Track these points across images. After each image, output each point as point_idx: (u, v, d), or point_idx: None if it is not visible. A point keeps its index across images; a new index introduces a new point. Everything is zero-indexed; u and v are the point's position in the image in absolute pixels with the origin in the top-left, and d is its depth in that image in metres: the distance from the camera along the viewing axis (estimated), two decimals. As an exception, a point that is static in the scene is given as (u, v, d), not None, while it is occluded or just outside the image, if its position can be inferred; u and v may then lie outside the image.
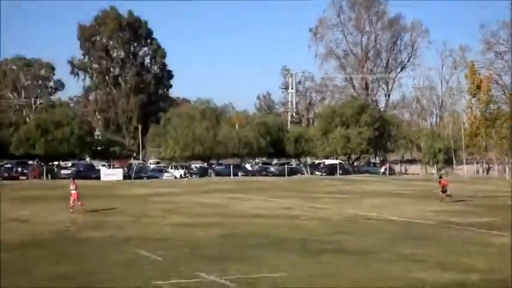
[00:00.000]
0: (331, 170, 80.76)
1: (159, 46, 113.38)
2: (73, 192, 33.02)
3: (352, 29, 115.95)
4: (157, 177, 73.12)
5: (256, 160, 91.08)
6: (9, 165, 72.30)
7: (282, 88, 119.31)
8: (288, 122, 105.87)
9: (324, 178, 73.74)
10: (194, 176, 76.59)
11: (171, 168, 79.01)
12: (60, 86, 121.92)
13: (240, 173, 79.12)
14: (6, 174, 68.75)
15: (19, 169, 71.26)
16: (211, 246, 21.02)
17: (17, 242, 21.85)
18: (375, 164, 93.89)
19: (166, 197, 43.03)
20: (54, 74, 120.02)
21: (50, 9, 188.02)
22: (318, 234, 24.04)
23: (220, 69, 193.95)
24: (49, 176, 70.07)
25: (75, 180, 35.70)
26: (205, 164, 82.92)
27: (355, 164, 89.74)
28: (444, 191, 37.88)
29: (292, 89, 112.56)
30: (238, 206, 36.68)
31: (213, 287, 14.85)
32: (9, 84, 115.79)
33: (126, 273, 16.31)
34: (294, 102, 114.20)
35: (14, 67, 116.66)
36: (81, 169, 73.90)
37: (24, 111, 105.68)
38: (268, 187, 55.59)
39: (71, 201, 32.74)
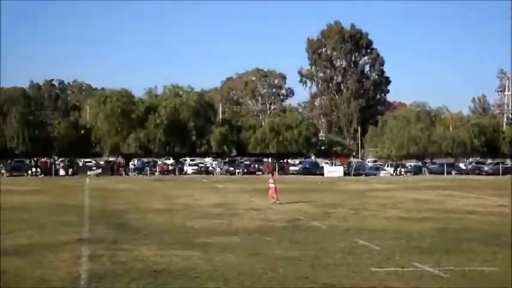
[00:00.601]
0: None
1: (378, 55, 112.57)
2: (271, 186, 33.40)
3: None
4: (374, 175, 72.66)
5: (470, 159, 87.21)
6: (247, 162, 75.83)
7: (498, 91, 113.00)
8: (504, 124, 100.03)
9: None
10: (409, 173, 75.25)
11: (387, 166, 78.26)
12: (290, 93, 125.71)
13: (453, 172, 76.32)
14: (245, 170, 72.14)
15: (256, 165, 74.44)
16: (425, 239, 20.37)
17: (254, 228, 22.79)
18: None
19: (382, 193, 42.61)
20: (285, 83, 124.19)
21: (280, 26, 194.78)
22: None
23: (435, 73, 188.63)
24: (280, 171, 72.42)
25: (274, 176, 37.54)
26: (420, 163, 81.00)
27: None
28: None
29: (508, 91, 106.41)
30: (451, 203, 35.26)
31: (427, 276, 14.42)
32: (249, 93, 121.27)
33: (346, 259, 16.40)
34: (511, 105, 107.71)
35: (253, 78, 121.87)
36: (307, 166, 75.46)
37: (260, 116, 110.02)
38: (482, 185, 52.65)
39: (269, 194, 33.33)
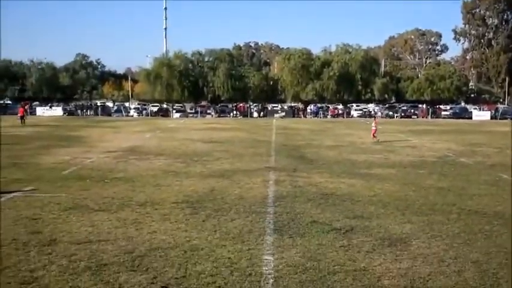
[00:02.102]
0: None
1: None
2: (373, 128, 33.07)
3: None
4: (519, 119, 67.04)
5: None
6: (405, 107, 73.24)
7: None
8: None
9: None
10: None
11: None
12: (444, 49, 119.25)
13: None
14: (402, 114, 69.82)
15: (412, 110, 71.72)
16: None
17: (408, 162, 22.12)
18: None
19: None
20: (440, 40, 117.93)
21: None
22: None
23: None
24: (433, 116, 69.19)
25: (377, 119, 37.10)
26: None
27: None
28: None
29: None
30: None
31: None
32: (408, 49, 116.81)
33: (490, 190, 15.45)
34: None
35: (412, 36, 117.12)
36: (457, 111, 71.10)
37: (416, 69, 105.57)
38: None
39: (372, 134, 32.86)
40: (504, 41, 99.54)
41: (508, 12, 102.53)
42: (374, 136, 32.59)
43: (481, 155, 25.13)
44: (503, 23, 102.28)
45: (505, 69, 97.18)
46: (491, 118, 66.46)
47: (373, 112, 71.51)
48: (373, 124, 34.01)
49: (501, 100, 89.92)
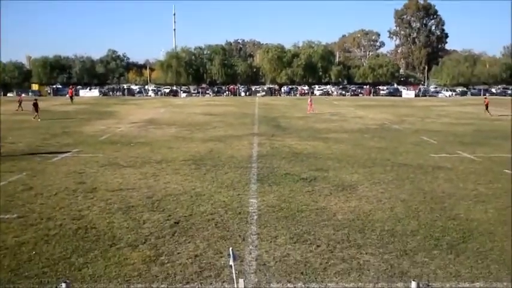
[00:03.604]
0: None
1: (440, 19, 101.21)
2: (309, 102, 33.23)
3: None
4: (435, 96, 67.30)
5: (499, 86, 76.93)
6: (354, 88, 71.96)
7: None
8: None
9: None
10: (457, 95, 68.61)
11: (444, 90, 71.91)
12: (382, 44, 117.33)
13: (487, 94, 67.49)
14: (352, 93, 69.21)
15: (359, 90, 70.43)
16: (466, 136, 18.81)
17: (357, 129, 22.11)
18: None
19: (440, 107, 39.34)
20: (379, 38, 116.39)
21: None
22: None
23: (481, 27, 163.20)
24: (374, 94, 68.79)
25: (312, 97, 37.35)
26: (465, 88, 73.33)
27: None
28: None
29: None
30: (485, 113, 31.95)
31: (465, 160, 13.40)
32: (356, 45, 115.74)
33: (414, 148, 15.54)
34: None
35: (359, 35, 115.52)
36: (391, 91, 70.61)
37: (362, 59, 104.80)
38: (505, 103, 46.61)
39: (308, 107, 32.57)
40: (424, 39, 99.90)
41: (427, 19, 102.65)
42: (309, 109, 31.99)
43: (408, 123, 25.28)
44: (423, 26, 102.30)
45: (425, 60, 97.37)
46: (415, 96, 66.55)
47: (330, 91, 71.24)
48: (308, 100, 33.85)
49: (422, 82, 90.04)
